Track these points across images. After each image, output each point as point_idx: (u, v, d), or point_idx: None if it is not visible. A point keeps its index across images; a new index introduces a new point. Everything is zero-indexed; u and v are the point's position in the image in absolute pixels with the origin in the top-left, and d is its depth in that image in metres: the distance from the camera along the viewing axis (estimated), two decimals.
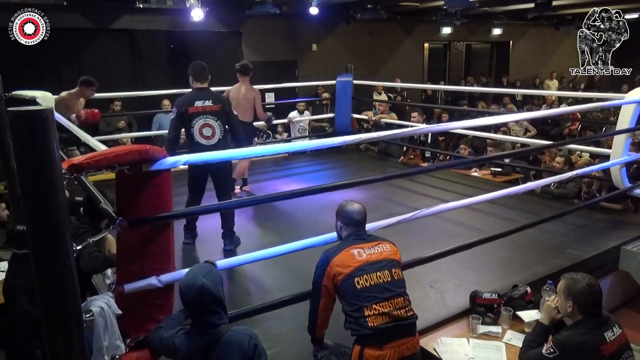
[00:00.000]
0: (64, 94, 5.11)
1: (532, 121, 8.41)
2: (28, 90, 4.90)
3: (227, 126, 3.93)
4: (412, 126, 6.53)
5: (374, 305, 2.19)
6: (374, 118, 7.30)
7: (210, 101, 3.85)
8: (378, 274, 2.24)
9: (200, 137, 3.84)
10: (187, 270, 2.15)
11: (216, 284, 1.97)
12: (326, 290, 2.31)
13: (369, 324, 2.16)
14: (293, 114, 7.86)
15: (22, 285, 2.71)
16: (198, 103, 3.82)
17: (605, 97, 5.62)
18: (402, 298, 2.26)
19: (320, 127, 8.76)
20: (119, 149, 2.06)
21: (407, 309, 2.27)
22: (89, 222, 2.73)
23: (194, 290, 1.92)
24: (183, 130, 3.95)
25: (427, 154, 7.02)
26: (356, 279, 2.21)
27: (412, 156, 7.13)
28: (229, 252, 3.88)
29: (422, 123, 7.00)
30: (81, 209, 2.88)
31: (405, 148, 7.16)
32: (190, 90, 4.02)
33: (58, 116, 4.32)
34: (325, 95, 8.85)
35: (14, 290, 2.80)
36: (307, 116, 8.19)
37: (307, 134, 8.19)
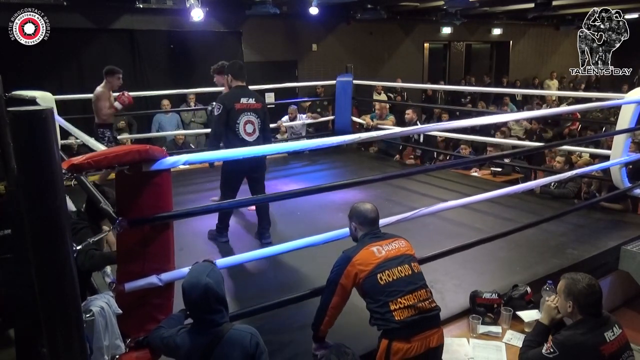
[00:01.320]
0: (99, 88, 5.23)
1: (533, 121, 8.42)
2: (28, 90, 4.91)
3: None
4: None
5: (398, 299, 2.24)
6: (371, 123, 7.26)
7: (253, 99, 3.98)
8: (399, 268, 2.31)
9: (244, 133, 3.93)
10: (187, 269, 2.15)
11: (219, 282, 1.98)
12: (342, 288, 2.34)
13: (396, 318, 2.21)
14: (284, 119, 7.68)
15: (13, 290, 2.66)
16: (243, 100, 3.93)
17: (605, 97, 5.62)
18: (424, 290, 2.33)
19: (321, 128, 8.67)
20: (119, 149, 2.06)
21: (430, 300, 2.32)
22: (87, 218, 2.72)
23: (198, 289, 1.92)
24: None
25: (418, 152, 7.01)
26: (379, 275, 2.27)
27: (412, 156, 7.13)
28: (268, 244, 3.93)
29: (416, 120, 6.99)
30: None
31: (401, 147, 7.15)
32: (227, 89, 4.16)
33: (58, 118, 4.35)
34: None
35: (7, 296, 2.75)
36: (303, 120, 7.87)
37: (302, 136, 7.99)
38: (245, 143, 3.90)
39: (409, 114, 7.00)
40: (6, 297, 2.79)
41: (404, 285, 2.27)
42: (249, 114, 3.94)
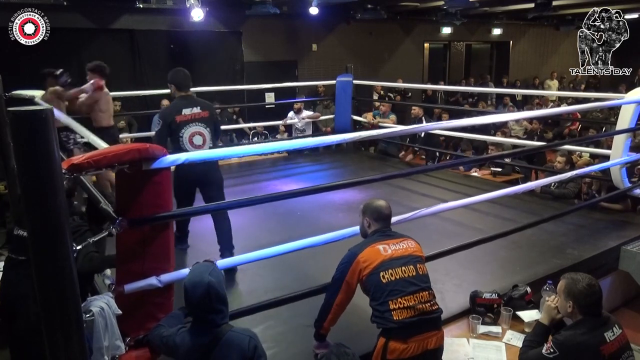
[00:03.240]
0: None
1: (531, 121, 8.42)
2: (28, 90, 4.91)
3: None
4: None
5: (399, 299, 2.23)
6: (373, 121, 7.27)
7: (199, 107, 3.63)
8: (403, 268, 2.30)
9: (191, 145, 3.59)
10: (187, 269, 2.15)
11: (220, 281, 1.98)
12: (347, 285, 2.35)
13: (394, 318, 2.20)
14: (290, 114, 7.70)
15: (25, 291, 2.65)
16: (186, 111, 3.59)
17: (605, 97, 5.61)
18: (427, 292, 2.32)
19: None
20: (119, 148, 2.06)
21: (431, 302, 2.31)
22: (89, 221, 2.72)
23: (200, 288, 1.92)
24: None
25: (416, 149, 7.06)
26: (381, 273, 2.27)
27: (412, 154, 7.14)
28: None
29: (422, 116, 7.02)
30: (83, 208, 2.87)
31: (404, 145, 7.16)
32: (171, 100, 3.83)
33: (62, 115, 4.33)
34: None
35: (16, 297, 2.73)
36: (305, 115, 7.82)
37: (305, 134, 8.03)
38: None
39: (415, 109, 7.06)
40: (10, 299, 2.78)
41: (406, 286, 2.26)
42: (195, 124, 3.59)
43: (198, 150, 3.53)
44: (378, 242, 2.37)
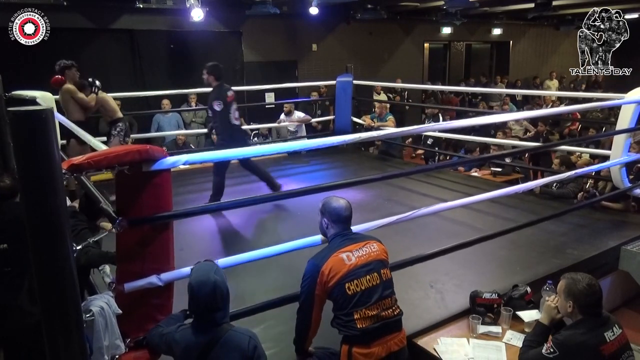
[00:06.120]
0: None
1: (533, 122, 8.41)
2: (28, 90, 4.91)
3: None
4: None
5: (363, 310, 2.22)
6: (372, 124, 7.25)
7: (232, 91, 4.89)
8: (368, 277, 2.26)
9: (234, 117, 4.88)
10: (187, 269, 2.15)
11: (224, 281, 1.99)
12: (319, 298, 2.30)
13: (358, 326, 2.20)
14: (282, 117, 7.64)
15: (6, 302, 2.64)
16: (229, 93, 4.82)
17: (605, 97, 5.61)
18: (389, 298, 2.31)
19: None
20: (119, 149, 2.07)
21: (393, 308, 2.32)
22: (85, 219, 2.72)
23: (207, 286, 1.92)
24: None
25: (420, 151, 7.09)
26: (347, 285, 2.22)
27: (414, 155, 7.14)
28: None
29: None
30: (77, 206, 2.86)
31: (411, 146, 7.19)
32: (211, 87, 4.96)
33: (61, 118, 4.35)
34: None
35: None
36: (296, 117, 7.70)
37: (297, 136, 7.82)
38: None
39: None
40: None
41: (371, 296, 2.24)
42: (235, 102, 4.93)
43: (238, 120, 4.99)
44: (340, 249, 2.29)
